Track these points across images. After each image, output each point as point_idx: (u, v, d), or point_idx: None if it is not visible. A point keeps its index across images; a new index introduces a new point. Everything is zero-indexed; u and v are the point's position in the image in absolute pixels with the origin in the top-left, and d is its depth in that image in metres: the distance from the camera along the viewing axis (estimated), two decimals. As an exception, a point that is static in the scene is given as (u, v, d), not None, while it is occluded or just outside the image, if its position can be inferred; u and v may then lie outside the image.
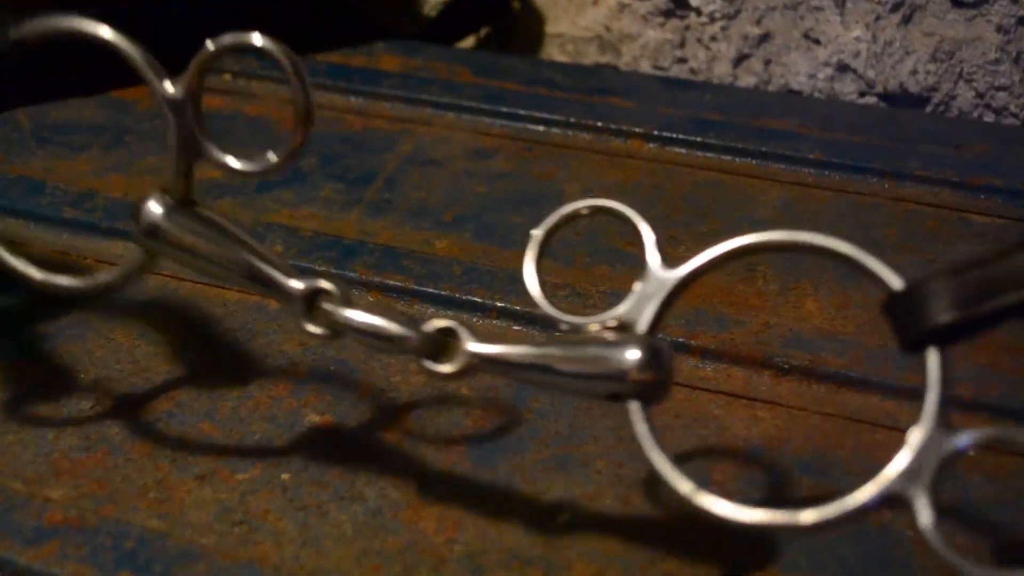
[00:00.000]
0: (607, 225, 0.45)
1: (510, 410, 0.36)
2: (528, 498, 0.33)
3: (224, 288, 0.41)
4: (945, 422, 0.24)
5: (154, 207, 0.30)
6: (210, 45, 0.28)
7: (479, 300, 0.40)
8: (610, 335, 0.28)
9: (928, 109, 0.58)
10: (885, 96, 0.59)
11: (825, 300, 0.41)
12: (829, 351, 0.37)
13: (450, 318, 0.29)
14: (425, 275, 0.42)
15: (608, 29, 0.65)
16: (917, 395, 0.36)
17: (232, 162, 0.29)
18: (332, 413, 0.36)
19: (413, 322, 0.29)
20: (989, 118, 0.57)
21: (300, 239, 0.44)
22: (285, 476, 0.34)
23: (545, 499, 0.33)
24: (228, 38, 0.29)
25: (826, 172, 0.49)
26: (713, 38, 0.62)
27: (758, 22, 0.60)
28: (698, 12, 0.62)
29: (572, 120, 0.52)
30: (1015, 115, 0.57)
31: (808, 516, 0.25)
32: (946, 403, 0.24)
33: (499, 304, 0.40)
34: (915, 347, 0.25)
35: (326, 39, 0.61)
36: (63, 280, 0.32)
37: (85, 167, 0.50)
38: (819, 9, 0.59)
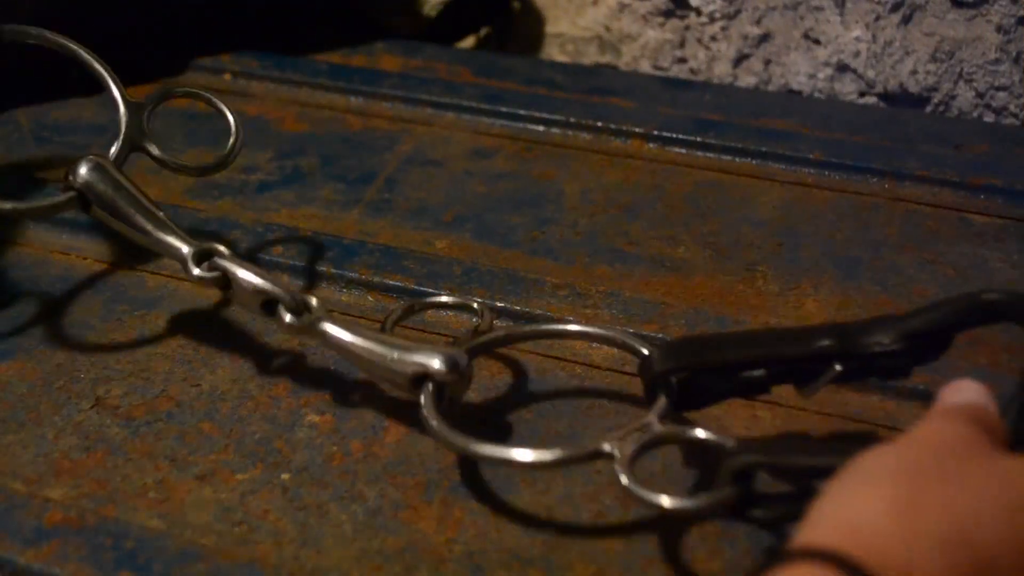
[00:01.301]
0: (607, 225, 0.46)
1: (510, 410, 0.36)
2: (528, 498, 0.33)
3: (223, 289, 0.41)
4: (665, 419, 0.31)
5: (88, 167, 0.37)
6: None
7: (479, 300, 0.40)
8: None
9: (928, 109, 0.58)
10: (885, 96, 0.59)
11: (825, 300, 0.41)
12: (829, 351, 0.37)
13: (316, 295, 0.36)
14: (425, 275, 0.42)
15: (608, 29, 0.65)
16: (918, 395, 0.36)
17: (161, 155, 0.40)
18: (332, 413, 0.36)
19: (291, 289, 0.35)
20: (989, 118, 0.57)
21: (300, 239, 0.44)
22: (285, 476, 0.34)
23: (545, 499, 0.33)
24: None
25: (826, 172, 0.48)
26: (713, 38, 0.62)
27: (758, 22, 0.60)
28: (698, 12, 0.62)
29: (572, 120, 0.52)
30: (1015, 115, 0.57)
31: (523, 455, 0.31)
32: (666, 413, 0.32)
33: (499, 304, 0.40)
34: (650, 394, 0.33)
35: (326, 39, 0.61)
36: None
37: (85, 167, 0.49)
38: (819, 9, 0.59)
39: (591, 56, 0.66)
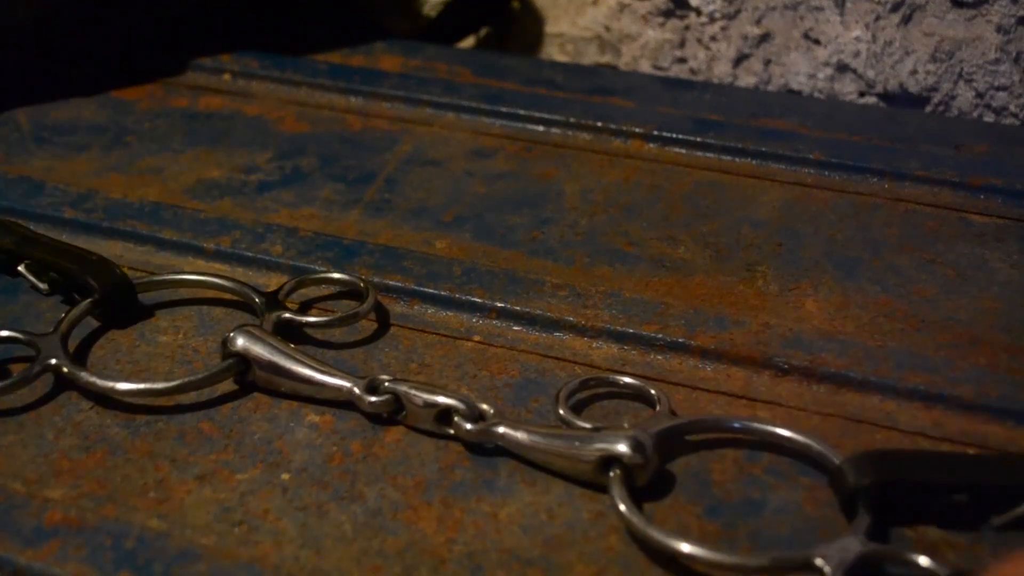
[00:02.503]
0: (607, 225, 0.46)
1: (510, 409, 0.36)
2: (528, 498, 0.33)
3: (222, 288, 0.41)
4: (865, 540, 0.30)
5: (242, 336, 0.37)
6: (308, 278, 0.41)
7: (479, 300, 0.40)
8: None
9: (928, 109, 0.58)
10: (885, 96, 0.59)
11: (825, 300, 0.41)
12: (829, 351, 0.37)
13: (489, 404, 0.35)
14: (425, 275, 0.42)
15: (608, 29, 0.65)
16: (918, 395, 0.36)
17: (312, 319, 0.39)
18: (332, 413, 0.36)
19: (464, 397, 0.35)
20: (989, 118, 0.57)
21: (300, 239, 0.44)
22: (285, 476, 0.34)
23: (545, 499, 0.33)
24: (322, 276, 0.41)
25: (826, 172, 0.49)
26: (713, 38, 0.62)
27: (758, 22, 0.60)
28: (698, 12, 0.62)
29: (572, 120, 0.52)
30: (1015, 115, 0.57)
31: (729, 558, 0.30)
32: (868, 529, 0.31)
33: (499, 304, 0.40)
34: (848, 508, 0.32)
35: (326, 39, 0.61)
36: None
37: (85, 167, 0.50)
38: (819, 9, 0.59)
39: (591, 56, 0.66)
